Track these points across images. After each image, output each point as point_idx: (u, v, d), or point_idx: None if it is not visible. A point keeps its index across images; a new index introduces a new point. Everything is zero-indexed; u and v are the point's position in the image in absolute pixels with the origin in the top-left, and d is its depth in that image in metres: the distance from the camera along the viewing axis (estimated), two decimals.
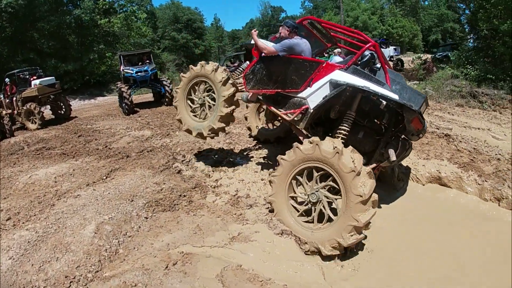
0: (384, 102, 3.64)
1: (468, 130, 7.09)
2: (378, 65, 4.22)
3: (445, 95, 9.91)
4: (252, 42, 4.49)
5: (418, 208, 4.50)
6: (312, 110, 3.90)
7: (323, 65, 3.87)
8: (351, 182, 3.15)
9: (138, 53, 14.39)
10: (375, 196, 3.24)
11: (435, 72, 13.19)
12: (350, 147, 3.45)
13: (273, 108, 4.32)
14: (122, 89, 11.60)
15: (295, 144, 3.57)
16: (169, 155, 5.92)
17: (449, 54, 15.06)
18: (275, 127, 6.33)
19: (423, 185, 5.10)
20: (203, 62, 4.76)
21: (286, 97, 4.17)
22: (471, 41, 12.36)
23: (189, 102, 5.06)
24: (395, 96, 3.54)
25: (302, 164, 3.51)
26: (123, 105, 11.57)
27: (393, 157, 3.84)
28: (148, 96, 16.01)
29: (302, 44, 4.08)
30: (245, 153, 6.05)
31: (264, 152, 6.12)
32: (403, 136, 4.16)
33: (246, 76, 4.29)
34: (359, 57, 3.89)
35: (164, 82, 12.56)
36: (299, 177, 3.62)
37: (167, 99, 12.47)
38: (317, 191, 3.46)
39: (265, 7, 56.60)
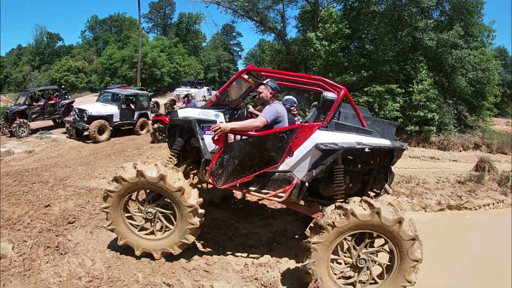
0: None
1: None
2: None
3: None
4: (183, 115, 3.97)
5: None
6: (306, 183, 3.54)
7: (300, 129, 3.52)
8: (409, 248, 3.20)
9: None
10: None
11: None
12: None
13: (254, 193, 3.71)
14: None
15: (347, 207, 3.22)
16: None
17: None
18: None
19: None
20: (164, 167, 3.70)
21: (263, 176, 3.61)
22: None
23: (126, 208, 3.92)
24: (387, 142, 3.53)
25: (352, 231, 3.25)
26: None
27: (389, 190, 3.94)
28: None
29: (284, 111, 3.77)
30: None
31: (219, 218, 5.25)
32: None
33: (214, 172, 3.53)
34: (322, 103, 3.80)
35: None
36: (348, 241, 3.36)
37: None
38: (366, 259, 3.36)
39: (41, 32, 47.25)
